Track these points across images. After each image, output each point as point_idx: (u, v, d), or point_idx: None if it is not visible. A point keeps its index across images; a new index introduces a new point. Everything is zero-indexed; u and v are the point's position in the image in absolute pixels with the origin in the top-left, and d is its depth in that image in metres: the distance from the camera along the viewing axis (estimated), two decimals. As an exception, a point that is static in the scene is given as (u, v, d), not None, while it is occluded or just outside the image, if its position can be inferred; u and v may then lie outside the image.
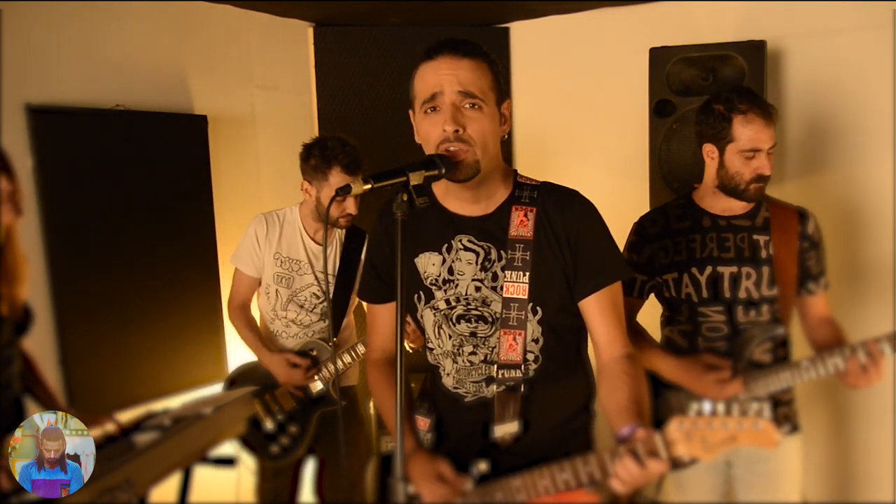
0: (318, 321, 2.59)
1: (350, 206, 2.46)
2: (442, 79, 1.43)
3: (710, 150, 2.03)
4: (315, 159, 2.42)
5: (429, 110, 1.45)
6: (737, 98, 1.97)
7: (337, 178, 2.41)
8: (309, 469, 2.78)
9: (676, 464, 2.04)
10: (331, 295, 2.59)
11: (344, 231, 2.60)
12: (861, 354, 1.89)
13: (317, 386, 2.55)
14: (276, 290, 2.55)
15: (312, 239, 2.57)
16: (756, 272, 2.00)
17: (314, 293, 2.57)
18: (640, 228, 2.12)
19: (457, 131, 1.41)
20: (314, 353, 2.57)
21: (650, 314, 2.19)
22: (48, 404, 1.92)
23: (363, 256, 2.58)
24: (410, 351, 2.61)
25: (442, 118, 1.43)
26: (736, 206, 2.04)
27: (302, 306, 2.56)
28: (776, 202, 2.09)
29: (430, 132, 1.45)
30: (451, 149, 1.42)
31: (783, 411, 2.08)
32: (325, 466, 2.73)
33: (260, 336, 2.58)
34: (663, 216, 2.12)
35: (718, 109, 1.98)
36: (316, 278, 2.55)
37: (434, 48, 1.46)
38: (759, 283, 2.00)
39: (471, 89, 1.42)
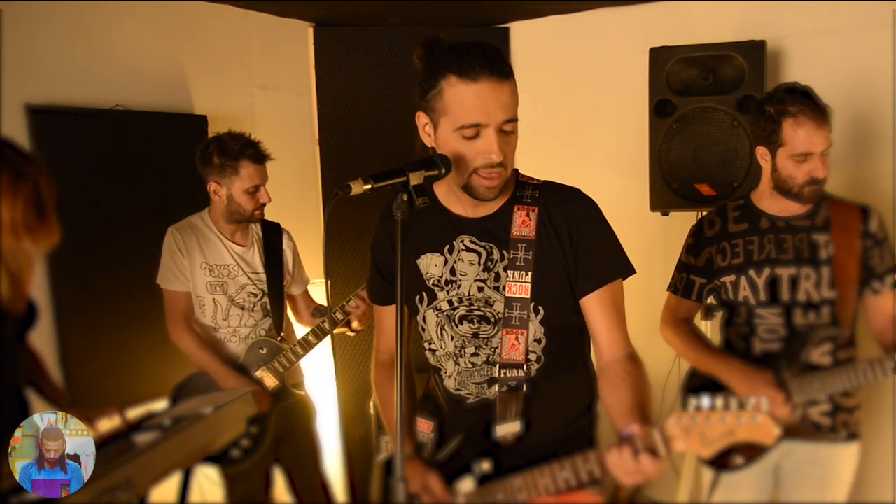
0: (262, 319, 2.56)
1: (263, 195, 2.44)
2: (489, 107, 1.38)
3: (762, 153, 1.97)
4: (218, 157, 2.38)
5: (469, 136, 1.40)
6: (788, 99, 1.89)
7: (248, 170, 2.39)
8: (279, 477, 2.75)
9: (727, 466, 2.03)
10: (266, 291, 2.55)
11: (259, 227, 2.58)
12: None
13: (273, 382, 2.54)
14: (213, 299, 2.51)
15: (231, 241, 2.53)
16: (815, 273, 1.94)
17: (250, 292, 2.54)
18: (698, 231, 2.08)
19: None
20: (263, 350, 2.55)
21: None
22: (55, 401, 1.92)
23: (283, 247, 2.60)
24: (352, 334, 2.62)
25: (482, 145, 1.40)
26: (794, 207, 1.98)
27: (243, 308, 2.53)
28: (838, 200, 2.02)
29: (465, 154, 1.41)
30: (492, 175, 1.41)
31: (842, 418, 2.02)
32: (293, 475, 2.72)
33: (217, 356, 2.48)
34: (721, 218, 2.07)
35: (769, 112, 1.91)
36: (249, 278, 2.53)
37: (473, 67, 1.37)
38: (818, 285, 1.94)
39: (512, 115, 1.42)
